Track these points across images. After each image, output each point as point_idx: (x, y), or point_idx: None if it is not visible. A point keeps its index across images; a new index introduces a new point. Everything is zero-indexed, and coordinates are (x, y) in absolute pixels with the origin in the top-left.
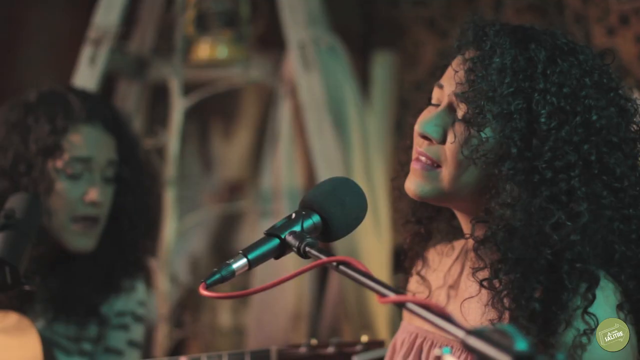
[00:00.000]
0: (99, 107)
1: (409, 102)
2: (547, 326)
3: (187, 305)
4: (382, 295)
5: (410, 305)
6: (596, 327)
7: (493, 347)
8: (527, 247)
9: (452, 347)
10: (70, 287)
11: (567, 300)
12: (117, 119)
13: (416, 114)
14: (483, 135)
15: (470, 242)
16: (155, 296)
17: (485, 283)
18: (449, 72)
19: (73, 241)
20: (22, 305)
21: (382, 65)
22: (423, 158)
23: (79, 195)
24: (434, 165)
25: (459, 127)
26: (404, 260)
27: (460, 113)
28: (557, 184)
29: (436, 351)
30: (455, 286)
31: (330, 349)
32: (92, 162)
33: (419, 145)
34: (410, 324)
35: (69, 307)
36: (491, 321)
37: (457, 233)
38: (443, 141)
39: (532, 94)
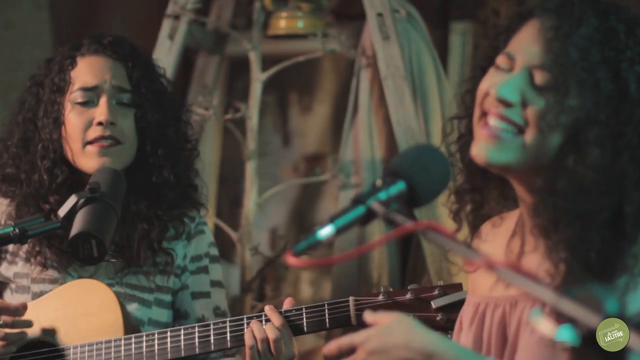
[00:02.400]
0: (103, 39)
1: (486, 72)
2: (603, 275)
3: (268, 278)
4: (471, 260)
5: (500, 269)
6: None
7: (583, 309)
8: (593, 201)
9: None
10: (127, 232)
11: (626, 249)
12: (125, 48)
13: (469, 87)
14: (569, 102)
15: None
16: (237, 269)
17: (543, 233)
18: (520, 39)
19: (91, 162)
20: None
21: (459, 35)
22: (500, 123)
23: (89, 119)
24: (515, 130)
25: (542, 94)
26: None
27: (541, 79)
28: (638, 149)
29: (526, 314)
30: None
31: (408, 296)
32: (99, 90)
33: (494, 109)
34: (474, 294)
35: (134, 251)
36: (547, 272)
37: (508, 204)
38: (524, 106)
39: (619, 63)
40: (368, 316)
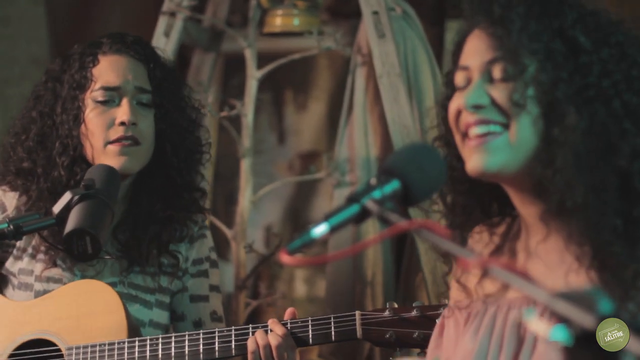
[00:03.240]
0: (125, 38)
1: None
2: (633, 240)
3: (263, 276)
4: (465, 259)
5: (494, 269)
6: None
7: (576, 309)
8: (594, 166)
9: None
10: (137, 235)
11: None
12: (146, 49)
13: (439, 108)
14: (529, 76)
15: (519, 223)
16: (231, 267)
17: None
18: (468, 49)
19: (112, 161)
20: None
21: (455, 34)
22: (481, 128)
23: (111, 119)
24: (499, 127)
25: (503, 85)
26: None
27: (498, 73)
28: (611, 99)
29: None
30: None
31: (414, 313)
32: (121, 90)
33: (471, 119)
34: (476, 295)
35: (142, 252)
36: (574, 255)
37: (495, 212)
38: (494, 103)
39: (564, 25)
40: None
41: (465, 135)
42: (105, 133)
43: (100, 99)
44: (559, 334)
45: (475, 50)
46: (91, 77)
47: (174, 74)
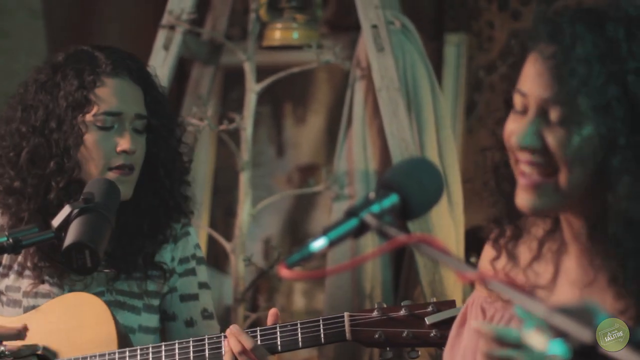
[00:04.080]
0: (125, 60)
1: (480, 84)
2: None
3: (262, 289)
4: (464, 273)
5: (493, 283)
6: None
7: (574, 323)
8: None
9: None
10: (123, 245)
11: None
12: (143, 71)
13: (497, 118)
14: (585, 131)
15: (568, 242)
16: (230, 279)
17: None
18: (527, 74)
19: None
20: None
21: (454, 47)
22: (531, 169)
23: (112, 145)
24: (547, 174)
25: (559, 130)
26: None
27: (555, 115)
28: None
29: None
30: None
31: (402, 312)
32: (122, 116)
33: (522, 157)
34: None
35: (128, 262)
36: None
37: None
38: (545, 148)
39: (625, 77)
40: None
41: (517, 161)
42: (106, 159)
43: (101, 124)
44: (557, 348)
45: (534, 79)
46: (92, 99)
47: (164, 95)
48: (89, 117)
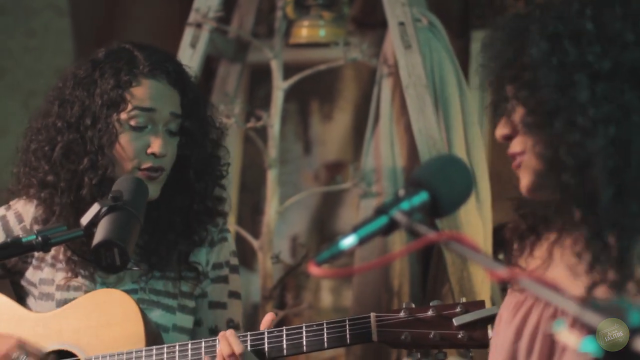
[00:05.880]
0: (164, 62)
1: None
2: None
3: (289, 286)
4: (494, 270)
5: (523, 280)
6: None
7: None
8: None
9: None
10: (156, 239)
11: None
12: (181, 74)
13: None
14: (534, 100)
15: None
16: (258, 277)
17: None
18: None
19: None
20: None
21: (481, 45)
22: (514, 151)
23: (143, 146)
24: (523, 152)
25: (518, 110)
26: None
27: (510, 92)
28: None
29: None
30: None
31: (430, 312)
32: (155, 114)
33: (510, 149)
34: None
35: (161, 257)
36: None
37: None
38: (515, 130)
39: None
40: None
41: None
42: (136, 159)
43: (134, 123)
44: (589, 346)
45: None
46: (127, 98)
47: (202, 97)
48: (123, 115)
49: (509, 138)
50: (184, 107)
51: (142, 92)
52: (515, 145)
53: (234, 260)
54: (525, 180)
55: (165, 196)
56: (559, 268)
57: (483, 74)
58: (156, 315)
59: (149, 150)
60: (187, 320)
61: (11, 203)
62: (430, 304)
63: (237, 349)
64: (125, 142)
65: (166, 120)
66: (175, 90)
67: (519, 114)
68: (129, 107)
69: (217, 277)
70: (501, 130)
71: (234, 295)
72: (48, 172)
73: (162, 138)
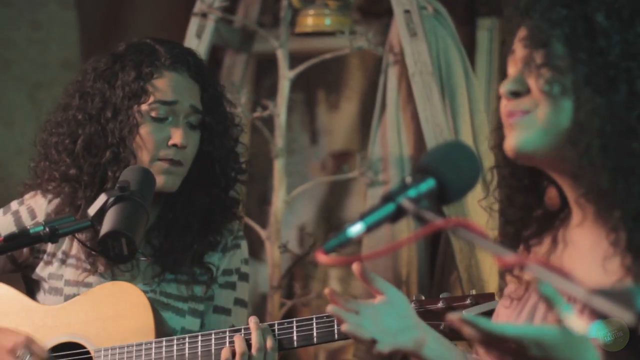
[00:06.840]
0: (185, 55)
1: None
2: None
3: (297, 276)
4: (503, 257)
5: (532, 266)
6: None
7: (615, 306)
8: (622, 151)
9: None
10: (170, 241)
11: None
12: (202, 68)
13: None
14: (556, 61)
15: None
16: (266, 267)
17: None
18: (517, 39)
19: (157, 178)
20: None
21: (487, 31)
22: (515, 107)
23: (164, 137)
24: (527, 111)
25: (538, 71)
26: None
27: (536, 61)
28: (634, 81)
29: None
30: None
31: (440, 304)
32: (177, 106)
33: (509, 106)
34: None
35: (175, 259)
36: (609, 255)
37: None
38: (528, 90)
39: (586, 9)
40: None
41: (507, 115)
42: (156, 150)
43: (154, 115)
44: (598, 331)
45: (520, 41)
46: (148, 89)
47: (222, 93)
48: (144, 107)
49: (516, 95)
50: (204, 102)
51: (164, 84)
52: (524, 103)
53: (245, 268)
54: (519, 138)
55: (184, 193)
56: (576, 253)
57: (512, 23)
58: (165, 317)
59: (170, 142)
60: (195, 324)
61: (25, 198)
62: (440, 296)
63: (269, 343)
64: (146, 133)
65: (187, 112)
66: (196, 83)
67: (546, 74)
68: (151, 98)
69: (226, 283)
70: (515, 86)
71: (240, 302)
72: (70, 165)
73: (183, 129)
